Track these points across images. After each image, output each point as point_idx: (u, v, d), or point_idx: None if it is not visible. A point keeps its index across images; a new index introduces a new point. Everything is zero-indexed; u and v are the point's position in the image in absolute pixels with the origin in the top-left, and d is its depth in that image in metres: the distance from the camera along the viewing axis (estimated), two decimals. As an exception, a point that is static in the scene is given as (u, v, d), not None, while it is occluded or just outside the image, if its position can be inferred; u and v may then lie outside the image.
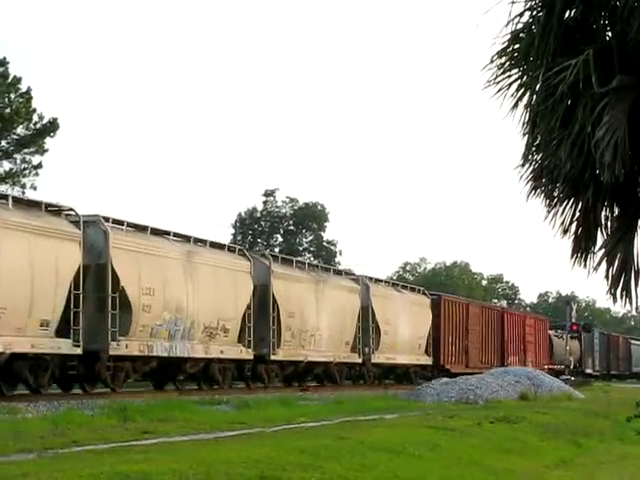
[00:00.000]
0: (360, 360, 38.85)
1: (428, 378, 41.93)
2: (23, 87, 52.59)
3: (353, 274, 42.82)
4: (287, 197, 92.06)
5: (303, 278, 35.65)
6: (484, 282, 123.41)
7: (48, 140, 53.45)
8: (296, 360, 34.56)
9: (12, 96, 52.21)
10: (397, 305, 43.51)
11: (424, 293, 48.00)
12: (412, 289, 48.48)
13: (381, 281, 45.59)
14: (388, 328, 41.71)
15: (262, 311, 32.54)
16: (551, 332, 69.28)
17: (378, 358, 40.66)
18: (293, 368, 34.99)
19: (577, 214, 10.15)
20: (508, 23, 9.75)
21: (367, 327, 39.66)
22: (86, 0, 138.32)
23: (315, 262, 38.92)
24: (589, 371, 75.55)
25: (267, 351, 32.42)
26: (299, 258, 39.34)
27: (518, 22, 9.79)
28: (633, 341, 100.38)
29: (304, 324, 34.91)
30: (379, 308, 41.02)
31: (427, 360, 46.18)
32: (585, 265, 10.24)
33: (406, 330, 43.75)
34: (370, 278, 42.48)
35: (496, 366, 51.98)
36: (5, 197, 23.40)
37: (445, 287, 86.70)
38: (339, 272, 42.25)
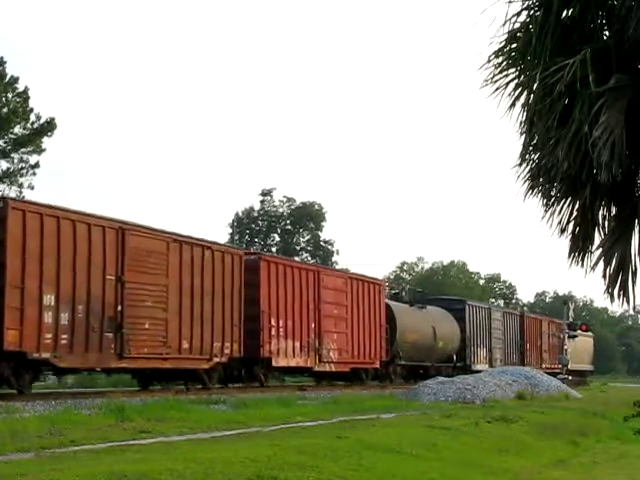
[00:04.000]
0: None
1: None
2: (20, 87, 52.74)
3: None
4: (284, 196, 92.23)
5: None
6: (481, 282, 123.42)
7: (45, 140, 53.65)
8: None
9: (9, 96, 52.28)
10: None
11: None
12: None
13: None
14: None
15: None
16: (400, 304, 45.40)
17: None
18: None
19: (574, 213, 10.17)
20: (505, 22, 9.80)
21: None
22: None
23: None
24: (480, 367, 49.54)
25: None
26: None
27: (515, 21, 9.83)
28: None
29: None
30: None
31: None
32: (582, 264, 10.27)
33: None
34: None
35: (227, 356, 30.01)
36: None
37: (442, 287, 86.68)
38: None
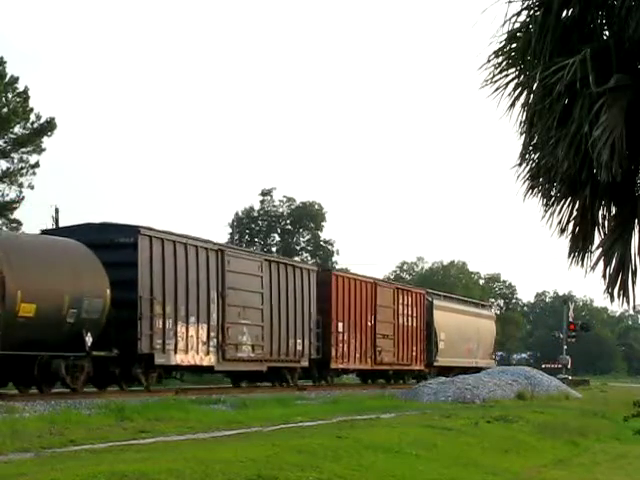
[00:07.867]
0: None
1: None
2: (20, 87, 52.73)
3: None
4: (284, 196, 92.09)
5: None
6: (481, 281, 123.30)
7: (45, 139, 53.63)
8: None
9: (9, 95, 52.27)
10: None
11: None
12: None
13: None
14: None
15: None
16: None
17: None
18: None
19: (574, 213, 10.16)
20: (505, 22, 9.79)
21: None
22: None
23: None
24: (182, 360, 28.35)
25: None
26: None
27: (515, 21, 9.81)
28: (441, 302, 47.51)
29: None
30: None
31: None
32: (582, 264, 10.25)
33: None
34: None
35: None
36: None
37: (442, 286, 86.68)
38: None
